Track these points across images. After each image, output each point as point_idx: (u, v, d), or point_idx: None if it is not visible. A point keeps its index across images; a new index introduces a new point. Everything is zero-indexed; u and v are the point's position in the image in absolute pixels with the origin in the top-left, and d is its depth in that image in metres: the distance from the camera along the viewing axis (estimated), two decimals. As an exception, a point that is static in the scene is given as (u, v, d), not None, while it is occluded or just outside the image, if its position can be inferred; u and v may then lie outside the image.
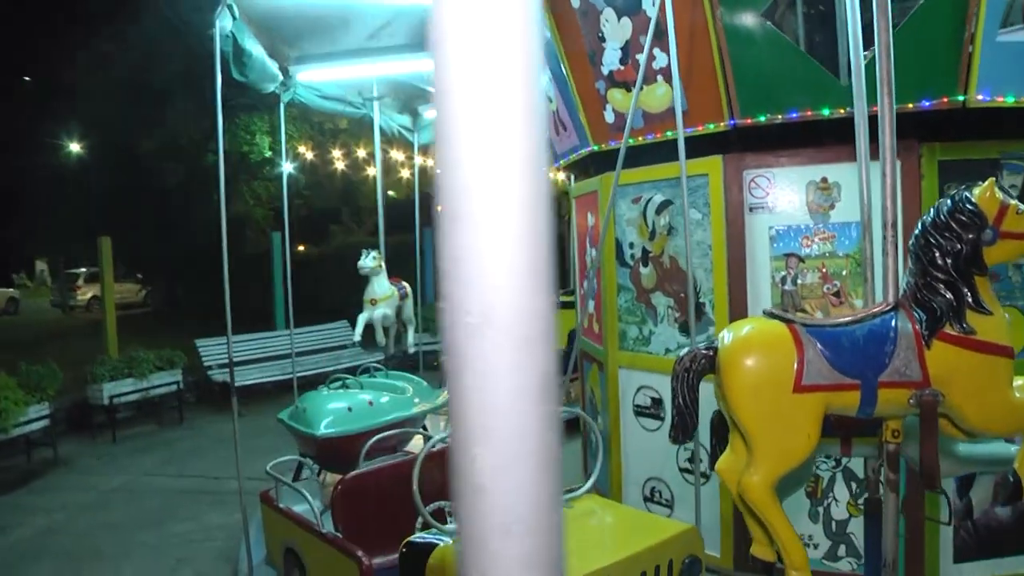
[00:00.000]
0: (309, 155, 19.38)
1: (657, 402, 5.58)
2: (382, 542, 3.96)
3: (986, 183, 2.65)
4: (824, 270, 4.84)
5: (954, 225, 2.60)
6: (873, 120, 4.25)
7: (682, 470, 5.53)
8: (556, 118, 6.31)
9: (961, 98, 4.28)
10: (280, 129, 7.10)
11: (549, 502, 0.66)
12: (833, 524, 4.89)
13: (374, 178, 19.76)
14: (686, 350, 2.96)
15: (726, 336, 2.75)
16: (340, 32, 6.84)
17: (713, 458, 3.84)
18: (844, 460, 4.72)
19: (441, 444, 4.03)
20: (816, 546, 4.94)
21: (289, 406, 6.01)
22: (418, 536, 3.52)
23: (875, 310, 2.70)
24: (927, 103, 4.31)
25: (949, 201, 2.64)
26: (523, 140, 0.68)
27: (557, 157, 6.93)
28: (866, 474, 3.43)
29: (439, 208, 0.72)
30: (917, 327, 2.60)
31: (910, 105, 4.38)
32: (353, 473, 4.23)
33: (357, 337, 7.62)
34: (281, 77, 6.39)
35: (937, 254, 2.60)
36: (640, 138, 5.34)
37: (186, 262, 20.02)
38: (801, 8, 4.49)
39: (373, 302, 7.55)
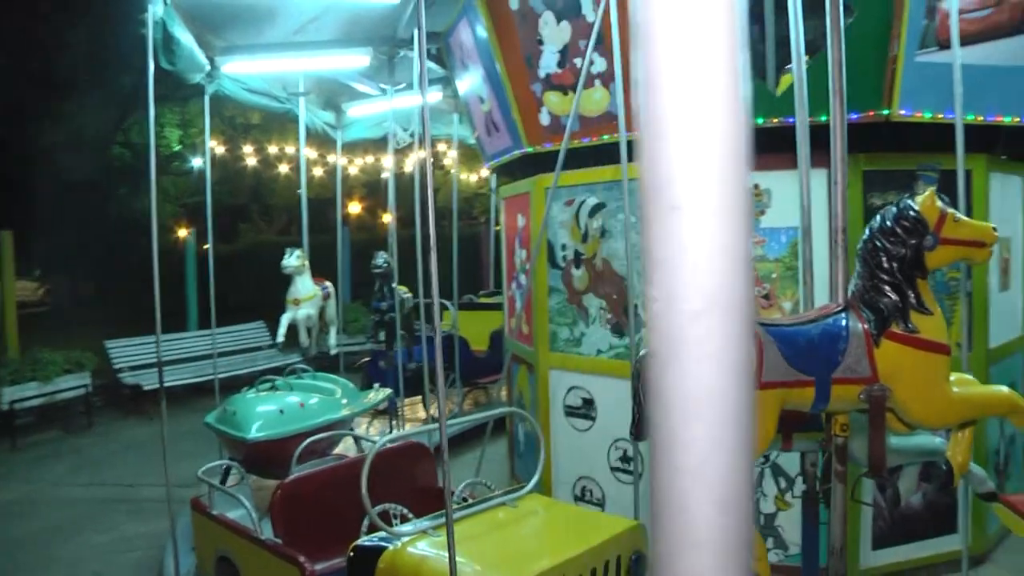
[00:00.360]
0: (220, 150, 18.84)
1: (588, 402, 5.65)
2: (323, 547, 3.88)
3: (927, 192, 2.81)
4: (755, 273, 5.00)
5: (899, 231, 2.76)
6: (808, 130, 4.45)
7: (613, 469, 5.61)
8: (489, 119, 6.32)
9: (886, 112, 4.51)
10: (205, 122, 6.87)
11: (751, 486, 0.68)
12: (762, 518, 5.05)
13: (286, 176, 19.34)
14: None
15: None
16: (267, 24, 6.68)
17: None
18: (772, 456, 4.87)
19: (381, 447, 3.98)
20: (745, 540, 5.11)
21: (211, 409, 5.83)
22: (365, 539, 3.47)
23: (826, 311, 2.83)
24: (855, 116, 4.50)
25: (894, 209, 2.79)
26: (732, 126, 0.69)
27: (488, 158, 6.94)
28: (803, 467, 3.55)
29: (643, 195, 0.73)
30: (866, 326, 2.75)
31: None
32: (292, 477, 4.13)
33: (280, 338, 7.46)
34: (208, 67, 6.19)
35: (884, 258, 2.76)
36: (576, 141, 5.39)
37: (92, 260, 19.12)
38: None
39: (296, 302, 7.41)
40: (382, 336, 7.83)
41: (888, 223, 2.76)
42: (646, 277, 0.72)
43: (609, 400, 5.44)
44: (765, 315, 5.01)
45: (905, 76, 4.51)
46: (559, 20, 5.12)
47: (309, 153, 19.48)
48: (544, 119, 5.54)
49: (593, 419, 5.65)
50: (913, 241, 2.73)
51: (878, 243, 2.75)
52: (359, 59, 6.86)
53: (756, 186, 4.97)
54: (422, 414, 8.91)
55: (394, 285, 7.75)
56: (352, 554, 3.43)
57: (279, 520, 3.92)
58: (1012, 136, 5.09)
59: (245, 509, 4.10)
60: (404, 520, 3.81)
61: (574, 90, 5.25)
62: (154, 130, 5.00)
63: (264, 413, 5.11)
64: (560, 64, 5.25)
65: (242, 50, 6.61)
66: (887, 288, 2.73)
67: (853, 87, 4.18)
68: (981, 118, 4.84)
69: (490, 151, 6.73)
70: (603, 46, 4.89)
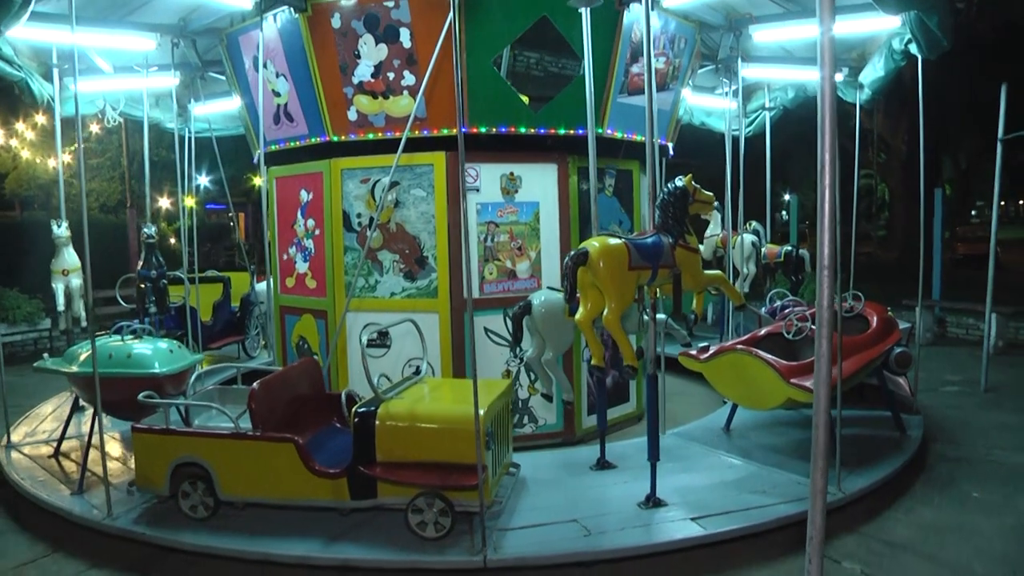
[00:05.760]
0: None
1: (383, 334, 7.35)
2: (292, 430, 5.19)
3: (687, 176, 5.41)
4: (511, 232, 7.26)
5: (678, 195, 5.34)
6: (558, 139, 6.85)
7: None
8: (282, 110, 7.60)
9: (600, 130, 7.10)
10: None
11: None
12: (519, 402, 7.37)
13: None
14: (572, 252, 5.12)
15: (591, 246, 4.98)
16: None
17: (514, 343, 6.00)
18: (524, 358, 7.13)
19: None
20: (508, 417, 7.37)
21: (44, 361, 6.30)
22: (360, 406, 5.00)
23: (645, 233, 5.30)
24: (581, 130, 7.00)
25: (673, 185, 5.35)
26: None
27: (266, 143, 8.09)
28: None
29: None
30: (670, 241, 5.25)
31: (571, 131, 7.08)
32: (260, 381, 5.24)
33: (61, 307, 7.65)
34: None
35: (671, 209, 5.31)
36: (380, 134, 7.09)
37: None
38: (518, 60, 6.83)
39: (65, 272, 7.69)
40: (151, 305, 8.37)
41: (671, 191, 5.31)
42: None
43: (400, 330, 7.17)
44: (518, 262, 7.34)
45: (612, 109, 7.19)
46: (377, 42, 6.77)
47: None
48: (352, 115, 7.11)
49: (388, 347, 7.38)
50: (683, 201, 5.33)
51: (668, 200, 5.32)
52: (145, 42, 7.49)
53: (512, 173, 7.23)
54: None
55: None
56: (356, 418, 4.94)
57: (257, 415, 5.08)
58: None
59: (225, 415, 5.15)
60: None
61: (384, 96, 6.97)
62: None
63: (160, 352, 5.93)
64: (374, 75, 6.89)
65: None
66: (675, 223, 5.30)
67: (581, 112, 6.51)
68: (639, 137, 7.76)
69: (272, 137, 7.92)
70: (415, 67, 6.72)
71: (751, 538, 5.05)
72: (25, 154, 21.91)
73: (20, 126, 21.55)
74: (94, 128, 20.17)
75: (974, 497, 5.99)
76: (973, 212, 41.53)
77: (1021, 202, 54.30)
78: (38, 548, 5.32)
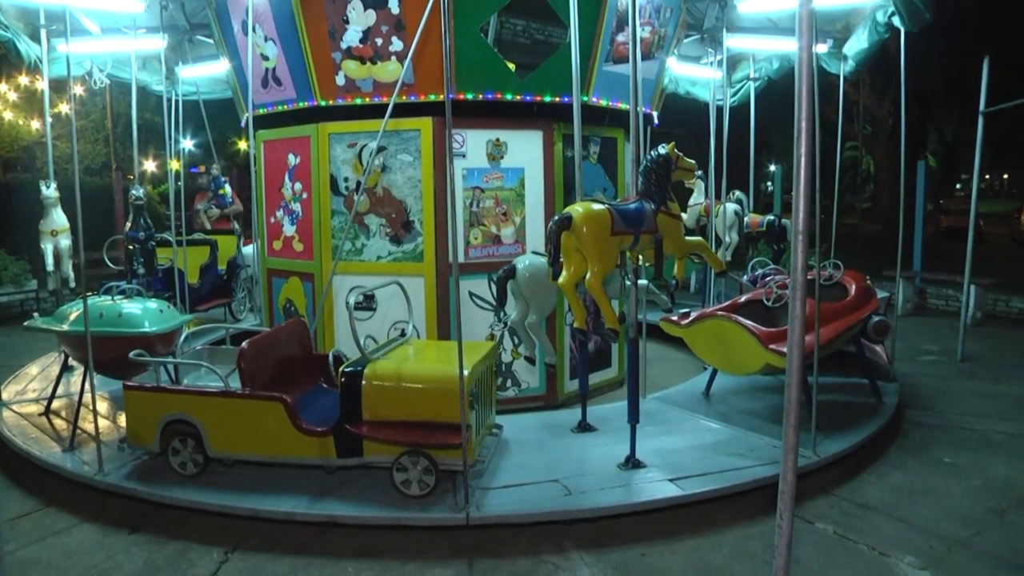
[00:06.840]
0: None
1: (369, 297, 7.43)
2: (280, 389, 5.28)
3: (669, 144, 5.49)
4: (497, 198, 7.33)
5: (661, 162, 5.41)
6: (544, 106, 6.90)
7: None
8: (271, 74, 7.59)
9: (585, 98, 7.14)
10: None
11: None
12: (503, 365, 7.49)
13: None
14: (556, 217, 5.20)
15: (574, 211, 5.06)
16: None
17: (498, 307, 6.11)
18: (508, 321, 7.23)
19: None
20: (493, 381, 7.49)
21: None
22: (347, 366, 5.09)
23: (629, 199, 5.37)
24: (566, 98, 7.04)
25: (656, 152, 5.42)
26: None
27: (253, 106, 8.08)
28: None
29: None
30: (652, 207, 5.33)
31: (556, 99, 7.13)
32: (249, 341, 5.31)
33: (51, 267, 7.67)
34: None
35: (654, 176, 5.38)
36: (368, 99, 7.11)
37: None
38: (505, 27, 6.85)
39: (54, 233, 7.69)
40: (139, 266, 8.39)
41: (655, 159, 5.39)
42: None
43: (386, 293, 7.24)
44: (503, 227, 7.41)
45: (597, 77, 7.22)
46: (366, 8, 6.75)
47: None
48: (340, 80, 7.10)
49: (373, 310, 7.46)
50: (666, 168, 5.41)
51: (651, 167, 5.40)
52: (134, 4, 7.43)
53: (498, 139, 7.27)
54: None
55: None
56: (344, 377, 5.02)
57: (247, 374, 5.16)
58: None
59: (216, 373, 5.24)
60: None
61: (372, 61, 6.97)
62: None
63: (150, 312, 5.98)
64: (362, 41, 6.88)
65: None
66: (657, 189, 5.37)
67: (566, 80, 6.57)
68: (624, 105, 7.80)
69: (260, 100, 7.91)
70: (403, 32, 6.72)
71: (728, 499, 5.20)
72: (8, 115, 21.72)
73: (3, 87, 21.32)
74: (78, 90, 20.01)
75: (946, 462, 6.17)
76: (958, 185, 41.80)
77: (1006, 176, 54.62)
78: (31, 502, 5.43)
